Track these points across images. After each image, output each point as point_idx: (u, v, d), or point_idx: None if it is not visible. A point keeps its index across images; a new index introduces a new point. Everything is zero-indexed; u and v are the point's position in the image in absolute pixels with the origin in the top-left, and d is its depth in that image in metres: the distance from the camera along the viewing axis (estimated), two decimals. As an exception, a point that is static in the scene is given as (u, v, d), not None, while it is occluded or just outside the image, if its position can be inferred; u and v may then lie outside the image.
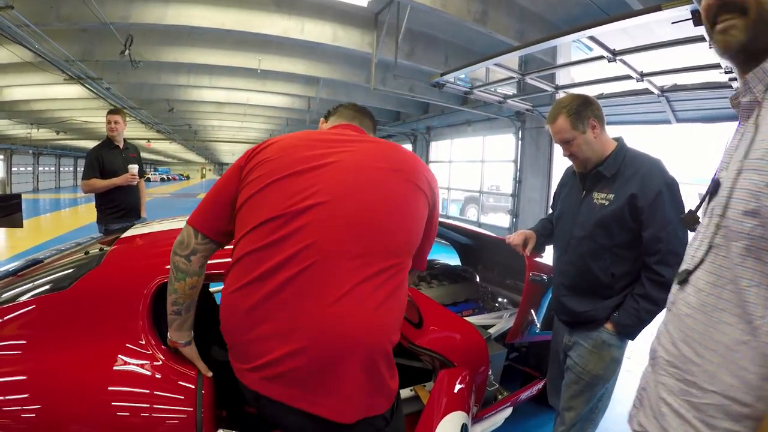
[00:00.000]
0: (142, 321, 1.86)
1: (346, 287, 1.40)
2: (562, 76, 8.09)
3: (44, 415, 1.62)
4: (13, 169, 29.42)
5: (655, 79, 6.38)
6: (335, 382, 1.38)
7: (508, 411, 2.99)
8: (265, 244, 1.45)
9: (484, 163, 12.52)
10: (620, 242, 2.25)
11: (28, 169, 32.15)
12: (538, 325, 2.90)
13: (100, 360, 1.75)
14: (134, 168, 4.86)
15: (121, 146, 5.00)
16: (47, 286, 2.04)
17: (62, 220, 16.45)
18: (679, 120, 7.16)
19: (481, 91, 7.92)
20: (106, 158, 4.83)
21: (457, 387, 2.18)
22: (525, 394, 3.19)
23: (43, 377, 1.69)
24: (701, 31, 4.14)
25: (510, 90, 9.07)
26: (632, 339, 2.35)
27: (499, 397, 2.89)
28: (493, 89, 8.35)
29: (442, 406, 2.03)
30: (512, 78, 7.18)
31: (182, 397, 1.74)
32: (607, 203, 2.26)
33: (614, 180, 2.27)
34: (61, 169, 38.05)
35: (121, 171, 4.84)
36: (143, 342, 1.83)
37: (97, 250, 2.33)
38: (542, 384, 3.32)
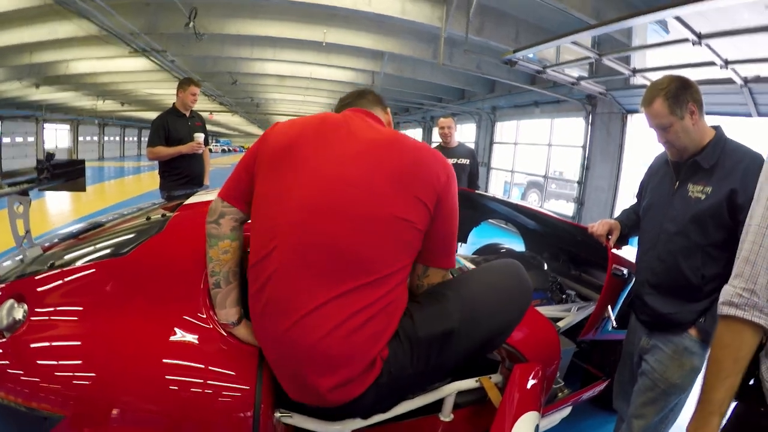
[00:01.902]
0: (203, 293, 1.80)
1: (306, 309, 1.47)
2: (637, 60, 7.65)
3: (97, 384, 1.58)
4: (79, 138, 30.86)
5: (739, 68, 5.92)
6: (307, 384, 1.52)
7: (567, 410, 2.83)
8: (253, 263, 1.59)
9: (551, 147, 12.09)
10: (714, 241, 2.04)
11: (94, 138, 33.64)
12: (614, 323, 2.70)
13: (157, 330, 1.71)
14: (200, 136, 4.89)
15: (188, 115, 5.01)
16: (107, 251, 2.01)
17: (125, 187, 17.09)
18: (761, 114, 6.61)
19: (553, 70, 7.58)
20: (172, 126, 4.86)
21: (531, 384, 2.04)
22: (587, 395, 3.02)
23: (97, 345, 1.65)
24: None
25: (580, 72, 8.67)
26: None
27: (560, 395, 2.72)
28: (563, 70, 7.99)
29: (516, 405, 1.90)
30: (587, 58, 6.84)
31: (241, 374, 1.68)
32: (703, 197, 2.05)
33: (712, 172, 2.06)
34: (125, 139, 39.59)
35: (186, 139, 4.87)
36: (203, 315, 1.77)
37: (160, 216, 2.30)
38: (605, 385, 3.13)
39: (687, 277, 2.11)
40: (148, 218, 2.29)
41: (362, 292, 1.49)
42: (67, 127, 29.72)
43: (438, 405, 2.10)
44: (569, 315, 3.13)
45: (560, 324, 2.93)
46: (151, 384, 1.62)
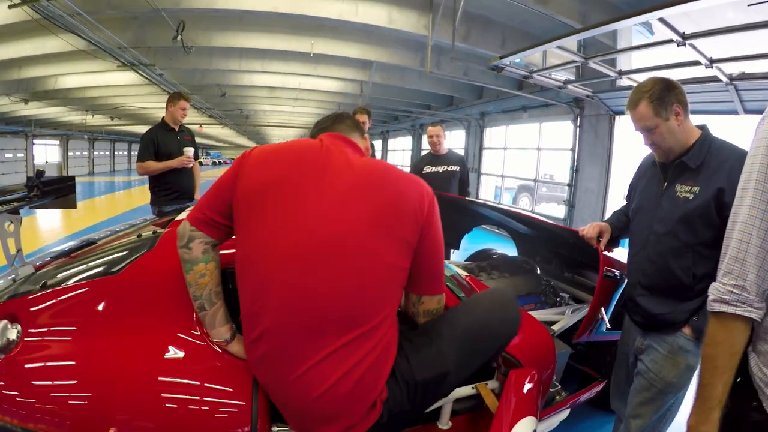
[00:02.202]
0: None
1: (304, 367, 1.48)
2: (623, 61, 7.72)
3: (93, 403, 1.57)
4: (69, 153, 30.65)
5: (724, 67, 5.95)
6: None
7: (566, 413, 2.84)
8: (244, 315, 1.59)
9: (540, 150, 12.15)
10: (704, 240, 2.05)
11: (84, 153, 33.38)
12: (608, 325, 2.72)
13: (151, 349, 1.70)
14: (190, 150, 4.87)
15: (177, 129, 5.00)
16: (99, 269, 2.00)
17: (116, 202, 17.01)
18: (747, 111, 6.68)
19: (540, 75, 7.63)
20: (162, 140, 4.84)
21: (527, 389, 2.05)
22: (584, 396, 3.03)
23: (92, 364, 1.64)
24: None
25: (567, 75, 8.73)
26: None
27: (557, 398, 2.73)
28: (550, 74, 8.04)
29: (512, 411, 1.90)
30: (573, 62, 6.88)
31: (237, 390, 1.67)
32: (691, 197, 2.07)
33: (699, 172, 2.08)
34: (115, 153, 39.37)
35: (176, 153, 4.85)
36: (197, 332, 1.76)
37: (151, 232, 2.28)
38: (602, 386, 3.14)
39: (678, 277, 2.12)
40: (140, 235, 2.28)
41: (359, 342, 1.50)
42: (57, 142, 29.53)
43: (435, 413, 2.10)
44: (563, 318, 3.15)
45: (555, 327, 2.94)
46: (146, 402, 1.61)
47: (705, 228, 2.04)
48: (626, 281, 2.51)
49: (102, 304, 1.79)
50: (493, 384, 2.24)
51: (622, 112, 9.03)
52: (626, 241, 2.61)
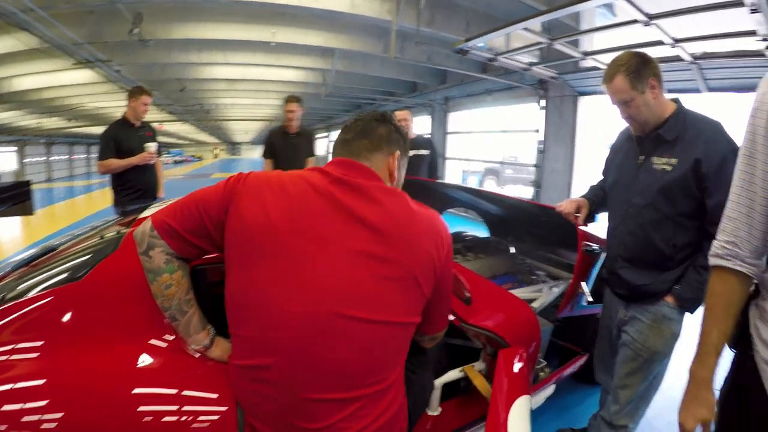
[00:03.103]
0: None
1: (322, 425, 1.39)
2: (586, 43, 7.80)
3: (67, 424, 1.42)
4: (25, 159, 29.41)
5: (687, 46, 6.08)
6: None
7: (552, 389, 2.87)
8: (246, 365, 1.46)
9: (505, 133, 12.23)
10: (683, 211, 2.10)
11: (41, 158, 32.08)
12: (590, 299, 2.76)
13: (124, 359, 1.57)
14: (152, 146, 4.77)
15: (138, 125, 4.88)
16: (62, 276, 1.86)
17: (77, 207, 16.48)
18: (710, 89, 6.85)
19: (505, 58, 7.66)
20: (122, 138, 4.72)
21: (518, 367, 2.05)
22: (568, 371, 3.07)
23: (63, 381, 1.50)
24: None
25: (531, 58, 8.79)
26: (692, 313, 2.21)
27: (542, 374, 2.76)
28: (514, 57, 8.07)
29: (506, 391, 1.90)
30: (539, 44, 6.91)
31: (220, 395, 1.56)
32: (670, 168, 2.10)
33: (676, 144, 2.12)
34: (74, 156, 38.10)
35: (137, 150, 4.74)
36: (171, 337, 1.65)
37: (114, 233, 2.16)
38: (584, 359, 3.19)
39: (659, 248, 2.16)
40: (102, 237, 2.17)
41: (376, 398, 1.44)
42: (14, 148, 28.43)
43: None
44: (542, 295, 3.17)
45: (534, 305, 2.96)
46: (123, 417, 1.48)
47: (684, 199, 2.09)
48: (606, 255, 2.54)
49: (67, 313, 1.65)
50: (479, 365, 2.26)
51: (586, 93, 9.20)
52: (602, 215, 2.65)
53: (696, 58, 6.36)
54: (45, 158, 32.36)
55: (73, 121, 23.60)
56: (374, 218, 1.42)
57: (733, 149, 2.01)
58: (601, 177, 2.69)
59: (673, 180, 2.08)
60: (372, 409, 1.42)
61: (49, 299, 1.68)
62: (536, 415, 2.78)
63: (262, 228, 1.40)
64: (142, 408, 1.49)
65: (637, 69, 2.08)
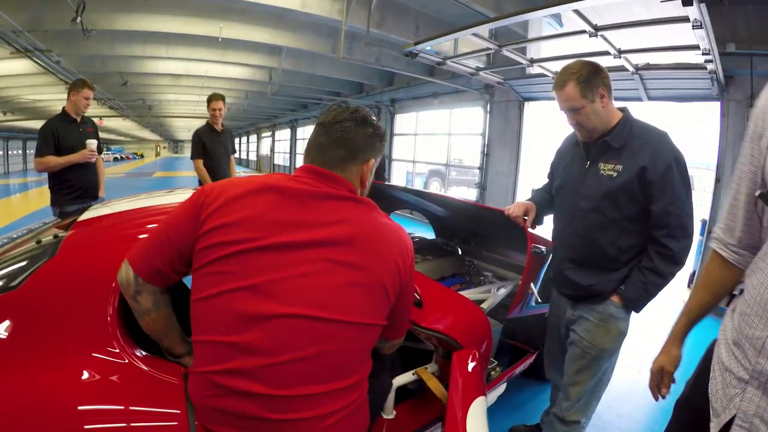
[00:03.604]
0: (112, 322, 1.58)
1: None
2: (533, 50, 8.03)
3: None
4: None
5: (631, 57, 6.40)
6: None
7: (503, 387, 2.94)
8: (214, 371, 1.39)
9: (451, 136, 12.44)
10: (628, 215, 2.20)
11: (-25, 155, 30.34)
12: (538, 299, 2.83)
13: (65, 376, 1.45)
14: (93, 143, 4.52)
15: (79, 120, 4.62)
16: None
17: (12, 207, 15.59)
18: (650, 98, 7.24)
19: (453, 62, 7.77)
20: (62, 133, 4.45)
21: (472, 368, 2.06)
22: (519, 369, 3.14)
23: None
24: (682, 11, 4.17)
25: (478, 63, 8.96)
26: (638, 312, 2.31)
27: (493, 373, 2.81)
28: (461, 61, 8.21)
29: (462, 393, 1.91)
30: (488, 49, 7.04)
31: (169, 407, 1.48)
32: (615, 174, 2.19)
33: (622, 151, 2.20)
34: (9, 152, 36.20)
35: (78, 147, 4.49)
36: (116, 349, 1.54)
37: (51, 237, 2.01)
38: (534, 357, 3.27)
39: (605, 250, 2.25)
40: (39, 241, 2.01)
41: (343, 393, 1.45)
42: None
43: None
44: (490, 296, 3.23)
45: (484, 306, 3.01)
46: None
47: (628, 203, 2.18)
48: (553, 256, 2.62)
49: (1, 326, 1.52)
50: (432, 367, 2.25)
51: (531, 99, 9.45)
52: (549, 218, 2.73)
53: (638, 68, 6.68)
54: (-21, 154, 30.59)
55: (9, 115, 22.35)
56: (344, 228, 1.44)
57: (678, 158, 2.12)
58: (547, 180, 2.77)
59: (618, 186, 2.17)
60: (336, 403, 1.43)
61: None
62: (489, 413, 2.77)
63: (231, 237, 1.40)
64: (86, 425, 1.39)
65: (588, 78, 2.15)
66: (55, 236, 2.01)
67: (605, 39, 5.62)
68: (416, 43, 6.77)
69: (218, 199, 1.45)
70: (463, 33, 6.09)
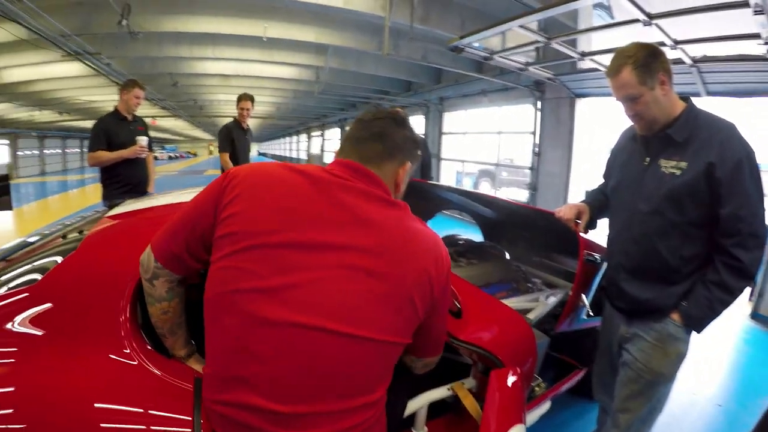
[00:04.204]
0: (124, 323, 1.53)
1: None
2: (583, 44, 7.63)
3: None
4: (18, 153, 29.11)
5: (688, 49, 5.95)
6: None
7: (547, 405, 2.69)
8: (223, 376, 1.32)
9: (501, 134, 12.11)
10: (692, 219, 1.92)
11: (34, 152, 31.81)
12: (590, 312, 2.57)
13: (73, 376, 1.41)
14: (143, 140, 4.71)
15: (130, 119, 4.85)
16: (20, 280, 1.72)
17: (69, 201, 16.46)
18: (709, 93, 6.73)
19: (500, 57, 7.50)
20: (114, 130, 4.68)
21: (512, 391, 1.87)
22: (565, 387, 2.89)
23: (12, 396, 1.36)
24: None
25: (527, 59, 8.64)
26: (699, 332, 2.03)
27: (537, 390, 2.57)
28: (510, 56, 7.91)
29: (497, 420, 1.71)
30: (536, 42, 6.75)
31: (177, 412, 1.41)
32: (678, 172, 1.92)
33: (686, 146, 1.93)
34: (67, 150, 37.85)
35: (128, 144, 4.68)
36: (126, 349, 1.49)
37: (77, 233, 2.02)
38: (581, 374, 3.01)
39: (665, 259, 1.98)
40: (65, 236, 2.03)
41: (361, 410, 1.33)
42: (7, 141, 28.03)
43: (410, 419, 1.92)
44: (538, 305, 2.99)
45: (530, 316, 2.78)
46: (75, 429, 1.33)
47: (693, 206, 1.91)
48: (607, 264, 2.36)
49: (19, 322, 1.51)
50: (470, 383, 2.07)
51: (583, 95, 9.07)
52: (604, 221, 2.47)
53: (696, 61, 6.22)
54: (38, 152, 32.05)
55: (66, 115, 23.45)
56: (374, 232, 1.32)
57: (749, 154, 1.85)
58: (602, 181, 2.50)
59: (682, 185, 1.90)
60: (350, 421, 1.30)
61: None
62: None
63: (251, 228, 1.30)
64: (103, 424, 1.36)
65: (646, 62, 1.89)
66: (80, 232, 2.05)
67: (660, 28, 5.23)
68: (461, 37, 6.57)
69: (242, 183, 1.36)
70: (510, 25, 5.82)
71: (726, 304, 1.93)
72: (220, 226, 1.34)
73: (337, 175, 1.38)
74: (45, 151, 33.13)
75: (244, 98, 6.23)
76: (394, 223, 1.36)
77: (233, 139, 6.22)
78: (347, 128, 1.55)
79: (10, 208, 2.73)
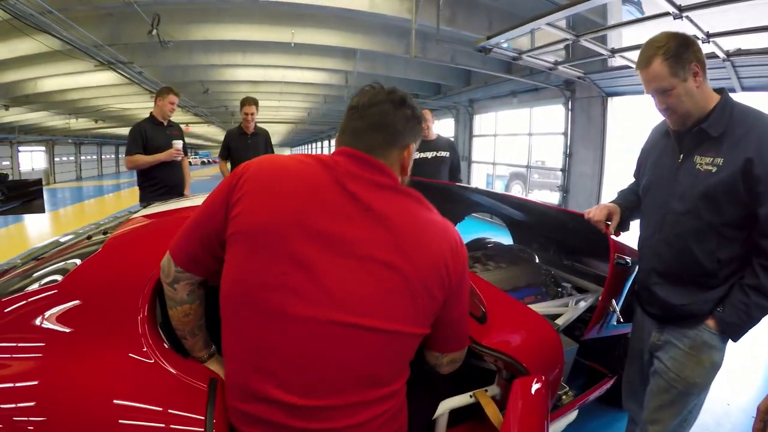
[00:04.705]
0: (142, 322, 1.54)
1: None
2: (613, 40, 7.43)
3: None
4: (55, 159, 30.08)
5: (721, 42, 5.74)
6: None
7: (574, 414, 2.58)
8: (239, 374, 1.34)
9: (531, 136, 11.94)
10: (729, 220, 1.81)
11: (71, 158, 32.81)
12: (620, 318, 2.45)
13: (89, 374, 1.41)
14: (179, 143, 4.91)
15: (166, 124, 5.05)
16: (47, 278, 1.75)
17: (105, 205, 16.95)
18: (744, 88, 6.50)
19: (529, 56, 7.37)
20: (150, 134, 4.86)
21: (536, 402, 1.79)
22: (593, 395, 2.78)
23: (33, 391, 1.37)
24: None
25: (556, 58, 8.49)
26: (735, 340, 1.92)
27: (564, 398, 2.47)
28: (539, 56, 7.78)
29: (517, 431, 1.64)
30: (564, 40, 6.62)
31: (191, 415, 1.39)
32: (714, 170, 1.80)
33: (722, 141, 1.81)
34: (103, 156, 38.79)
35: (164, 148, 4.86)
36: (143, 348, 1.49)
37: (101, 233, 2.05)
38: (611, 383, 2.89)
39: (700, 262, 1.87)
40: (89, 237, 2.06)
41: (379, 403, 1.33)
42: (43, 148, 29.02)
43: (430, 426, 1.86)
44: (567, 310, 2.89)
45: (559, 321, 2.68)
46: (86, 430, 1.33)
47: (730, 205, 1.79)
48: (638, 268, 2.24)
49: (42, 319, 1.53)
50: (493, 390, 2.00)
51: (615, 94, 8.87)
52: (636, 222, 2.35)
53: (730, 54, 6.01)
54: (74, 158, 32.91)
55: (101, 122, 24.14)
56: (386, 223, 1.30)
57: None
58: (633, 180, 2.39)
59: (718, 183, 1.79)
60: (368, 413, 1.31)
61: (21, 303, 1.59)
62: None
63: (264, 224, 1.28)
64: (122, 420, 1.36)
65: (677, 52, 1.78)
66: (104, 232, 2.08)
67: (691, 21, 5.06)
68: (489, 38, 6.48)
69: (251, 179, 1.34)
70: (538, 23, 5.73)
71: (765, 310, 1.82)
72: (232, 223, 1.32)
73: (344, 165, 1.34)
74: (81, 157, 34.04)
75: (249, 103, 5.93)
76: (407, 213, 1.34)
77: (230, 147, 6.01)
78: (343, 117, 1.47)
79: (43, 211, 2.89)
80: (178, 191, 5.03)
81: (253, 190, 1.32)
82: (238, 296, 1.30)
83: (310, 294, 1.23)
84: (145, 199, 4.76)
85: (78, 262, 1.78)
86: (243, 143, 5.95)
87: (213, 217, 1.37)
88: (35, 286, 1.69)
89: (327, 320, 1.23)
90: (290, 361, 1.25)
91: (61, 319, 1.53)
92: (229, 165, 6.03)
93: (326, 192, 1.30)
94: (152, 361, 1.48)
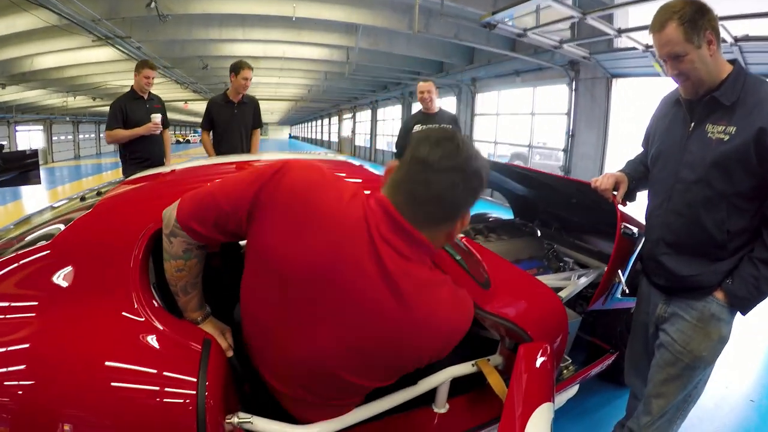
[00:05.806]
0: (133, 279, 1.51)
1: None
2: (620, 20, 7.36)
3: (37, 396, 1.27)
4: (53, 138, 29.85)
5: (729, 26, 5.69)
6: None
7: (575, 389, 2.57)
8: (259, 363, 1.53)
9: (534, 116, 11.88)
10: (741, 190, 1.76)
11: (69, 137, 32.55)
12: (625, 289, 2.41)
13: (78, 333, 1.40)
14: (157, 117, 4.96)
15: (146, 97, 5.11)
16: (38, 239, 1.71)
17: (103, 182, 16.85)
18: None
19: (534, 33, 7.28)
20: (130, 108, 4.94)
21: (541, 368, 1.77)
22: (595, 370, 2.76)
23: (27, 351, 1.35)
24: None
25: (561, 36, 8.38)
26: (744, 314, 1.88)
27: (566, 373, 2.45)
28: (544, 34, 7.68)
29: (525, 396, 1.61)
30: (571, 18, 6.53)
31: (182, 374, 1.35)
32: (726, 138, 1.75)
33: (734, 109, 1.76)
34: (101, 135, 38.42)
35: (144, 121, 4.93)
36: (136, 306, 1.47)
37: (95, 194, 2.04)
38: (612, 359, 2.87)
39: (709, 233, 1.83)
40: (83, 198, 2.06)
41: None
42: (41, 127, 28.74)
43: (431, 395, 1.84)
44: (569, 284, 2.86)
45: (561, 294, 2.65)
46: (68, 395, 1.30)
47: (743, 175, 1.75)
48: (645, 239, 2.20)
49: (32, 278, 1.52)
50: (495, 359, 1.98)
51: (620, 75, 8.80)
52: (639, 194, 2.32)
53: (738, 40, 5.97)
54: (72, 137, 32.72)
55: (98, 100, 23.83)
56: (395, 300, 1.23)
57: None
58: (642, 150, 2.34)
59: (730, 151, 1.74)
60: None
61: (14, 265, 1.56)
62: (554, 417, 2.49)
63: (298, 270, 1.26)
64: (91, 383, 1.33)
65: (692, 18, 1.71)
66: (98, 193, 2.07)
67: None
68: (494, 13, 6.38)
69: (283, 195, 1.29)
70: (544, -1, 5.62)
71: None
72: (255, 235, 1.32)
73: (380, 225, 1.23)
74: (79, 135, 33.81)
75: (246, 66, 5.12)
76: (420, 299, 1.25)
77: (212, 116, 5.27)
78: (405, 161, 1.25)
79: (39, 182, 2.96)
80: (158, 163, 5.09)
81: (283, 210, 1.27)
82: (251, 306, 1.42)
83: (316, 341, 1.31)
84: (127, 172, 4.78)
85: (69, 220, 1.77)
86: (228, 113, 5.26)
87: (233, 207, 1.33)
88: (27, 247, 1.66)
89: (323, 369, 1.36)
90: (292, 388, 1.47)
91: (51, 278, 1.51)
92: (212, 135, 5.36)
93: (366, 241, 1.22)
94: (143, 319, 1.46)
